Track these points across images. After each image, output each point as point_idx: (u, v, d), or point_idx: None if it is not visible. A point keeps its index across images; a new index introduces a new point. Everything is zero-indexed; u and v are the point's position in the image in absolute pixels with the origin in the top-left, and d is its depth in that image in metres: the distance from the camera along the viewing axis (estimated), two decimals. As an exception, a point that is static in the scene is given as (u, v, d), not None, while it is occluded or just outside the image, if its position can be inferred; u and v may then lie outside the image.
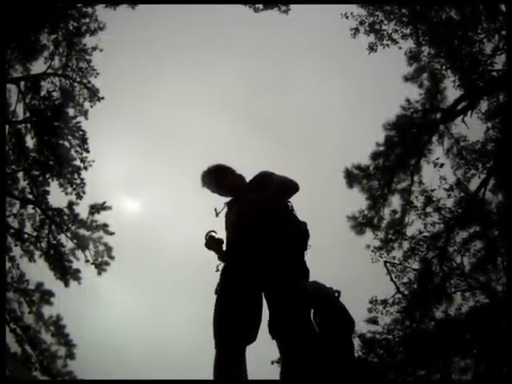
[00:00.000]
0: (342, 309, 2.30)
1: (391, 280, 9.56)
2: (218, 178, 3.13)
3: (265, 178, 2.97)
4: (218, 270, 2.76)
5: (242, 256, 2.72)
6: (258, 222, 2.71)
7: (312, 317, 2.37)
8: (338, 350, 2.23)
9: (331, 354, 2.21)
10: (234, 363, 2.48)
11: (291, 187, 2.85)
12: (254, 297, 2.61)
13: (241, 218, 2.79)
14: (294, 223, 2.84)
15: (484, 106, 9.39)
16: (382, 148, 9.77)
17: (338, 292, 2.34)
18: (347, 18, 9.84)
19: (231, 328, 2.52)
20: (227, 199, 3.16)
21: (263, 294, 2.67)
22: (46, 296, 10.80)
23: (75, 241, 10.84)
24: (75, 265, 10.82)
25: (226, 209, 3.11)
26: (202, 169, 3.24)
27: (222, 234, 2.92)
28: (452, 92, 9.52)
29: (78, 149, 10.70)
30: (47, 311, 10.78)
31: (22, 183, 10.61)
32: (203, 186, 3.16)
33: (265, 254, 2.64)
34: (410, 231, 9.85)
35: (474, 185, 9.53)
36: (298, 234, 2.79)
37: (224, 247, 2.82)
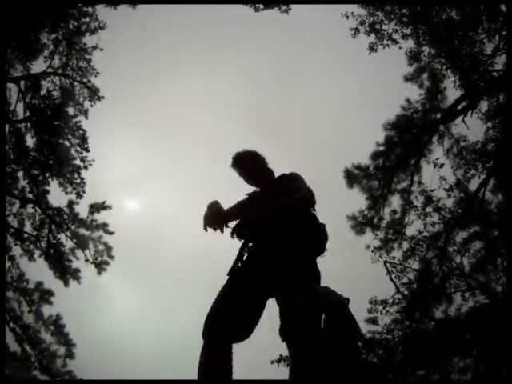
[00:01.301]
0: (349, 315, 2.35)
1: (391, 280, 9.55)
2: (252, 162, 3.11)
3: (293, 182, 2.96)
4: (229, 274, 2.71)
5: (257, 252, 2.71)
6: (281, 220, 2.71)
7: (322, 321, 2.39)
8: (343, 354, 2.26)
9: (335, 357, 2.24)
10: (224, 353, 2.43)
11: (308, 204, 2.87)
12: (259, 297, 2.59)
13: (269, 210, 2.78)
14: (314, 225, 2.82)
15: (484, 106, 9.42)
16: (382, 148, 9.77)
17: (347, 300, 2.37)
18: (347, 17, 9.85)
19: (228, 319, 2.47)
20: (249, 191, 3.16)
21: (275, 297, 2.64)
22: (46, 295, 10.80)
23: (75, 240, 10.84)
24: (75, 264, 10.84)
25: (246, 199, 3.13)
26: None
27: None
28: (452, 92, 9.55)
29: (78, 148, 10.72)
30: (47, 310, 10.79)
31: (22, 182, 10.61)
32: (233, 165, 3.12)
33: (281, 254, 2.61)
34: (410, 231, 9.85)
35: (473, 185, 9.55)
36: (317, 236, 2.78)
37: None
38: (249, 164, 3.10)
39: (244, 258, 2.74)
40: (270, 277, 2.58)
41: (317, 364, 2.25)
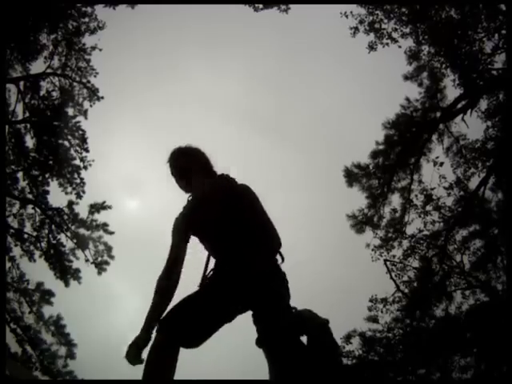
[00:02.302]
0: (330, 337, 2.57)
1: (391, 278, 9.56)
2: (186, 162, 2.61)
3: (243, 199, 2.51)
4: (202, 283, 2.64)
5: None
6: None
7: (304, 340, 2.53)
8: (326, 372, 2.41)
9: (319, 375, 2.38)
10: (170, 357, 2.38)
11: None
12: (225, 316, 2.49)
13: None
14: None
15: (484, 104, 9.43)
16: (381, 147, 9.79)
17: (327, 321, 2.58)
18: (347, 17, 9.81)
19: (186, 327, 2.38)
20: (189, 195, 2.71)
21: (252, 313, 2.54)
22: (46, 296, 10.82)
23: (75, 240, 10.84)
24: (75, 264, 10.86)
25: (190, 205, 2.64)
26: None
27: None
28: (452, 91, 9.55)
29: (78, 148, 10.72)
30: (47, 311, 10.81)
31: (22, 183, 10.65)
32: (167, 161, 2.70)
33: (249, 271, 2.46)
34: (410, 230, 9.85)
35: (473, 183, 9.57)
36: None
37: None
38: (182, 164, 2.61)
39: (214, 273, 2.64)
40: (243, 298, 2.46)
41: (303, 377, 2.34)
